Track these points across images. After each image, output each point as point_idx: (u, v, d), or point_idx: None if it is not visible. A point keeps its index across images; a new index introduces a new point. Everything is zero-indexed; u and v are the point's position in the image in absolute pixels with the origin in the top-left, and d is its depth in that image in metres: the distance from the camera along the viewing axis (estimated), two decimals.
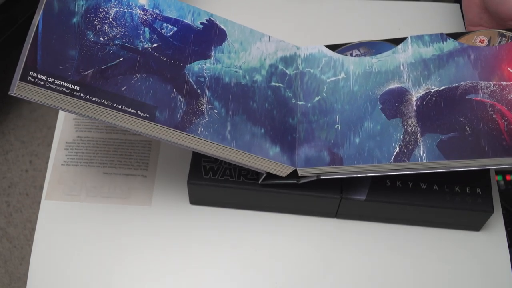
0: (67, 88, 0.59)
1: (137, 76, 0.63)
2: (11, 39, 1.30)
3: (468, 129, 0.65)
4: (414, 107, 0.67)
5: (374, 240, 0.73)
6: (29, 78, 0.58)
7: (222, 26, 0.72)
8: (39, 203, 0.75)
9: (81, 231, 0.73)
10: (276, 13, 0.89)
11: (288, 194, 0.70)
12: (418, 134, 0.66)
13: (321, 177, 0.67)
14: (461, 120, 0.66)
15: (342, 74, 0.72)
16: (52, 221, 0.73)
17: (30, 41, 0.60)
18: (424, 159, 0.64)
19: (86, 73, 0.61)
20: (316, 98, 0.71)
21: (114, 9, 0.66)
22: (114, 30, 0.65)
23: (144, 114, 0.62)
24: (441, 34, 0.72)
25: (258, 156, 0.65)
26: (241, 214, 0.74)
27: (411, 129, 0.66)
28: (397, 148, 0.65)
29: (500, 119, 0.65)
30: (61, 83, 0.59)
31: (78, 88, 0.60)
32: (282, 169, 0.67)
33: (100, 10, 0.65)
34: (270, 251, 0.72)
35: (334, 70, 0.72)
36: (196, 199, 0.74)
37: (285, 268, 0.71)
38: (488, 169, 0.72)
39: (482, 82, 0.68)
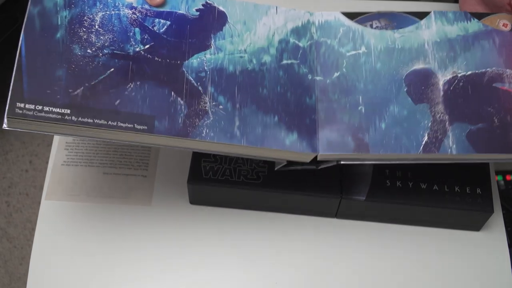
0: (57, 113, 0.56)
1: (130, 86, 0.60)
2: (11, 39, 1.30)
3: (496, 120, 0.63)
4: (442, 92, 0.65)
5: (374, 240, 0.73)
6: (17, 110, 0.55)
7: (221, 8, 0.67)
8: (39, 203, 0.75)
9: (81, 231, 0.73)
10: None
11: (288, 194, 0.70)
12: (447, 123, 0.63)
13: (341, 162, 0.63)
14: (489, 110, 0.64)
15: (363, 48, 0.67)
16: (52, 221, 0.73)
17: (15, 67, 0.57)
18: (454, 151, 0.62)
19: (75, 93, 0.58)
20: (336, 74, 0.66)
21: (100, 14, 0.62)
22: (101, 38, 0.61)
23: (141, 127, 0.58)
24: (465, 13, 0.69)
25: (273, 148, 0.61)
26: (241, 214, 0.74)
27: (439, 117, 0.63)
28: (426, 137, 0.63)
29: None
30: (51, 109, 0.56)
31: (68, 111, 0.57)
32: (303, 157, 0.63)
33: (85, 18, 0.61)
34: (270, 251, 0.72)
35: (354, 43, 0.68)
36: (196, 199, 0.74)
37: (285, 268, 0.71)
38: (488, 169, 0.72)
39: (508, 70, 0.66)
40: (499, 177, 1.17)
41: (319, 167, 0.64)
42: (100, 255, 0.72)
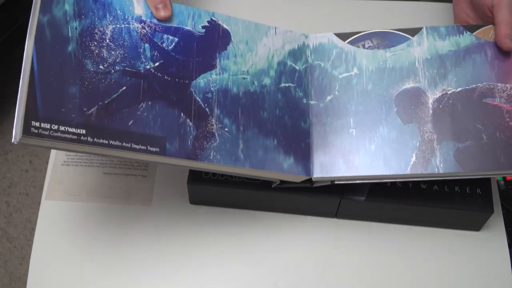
0: (73, 133, 0.55)
1: (142, 106, 0.59)
2: (11, 39, 1.30)
3: (484, 137, 0.64)
4: (431, 111, 0.66)
5: (374, 240, 0.73)
6: (32, 129, 0.53)
7: (225, 26, 0.67)
8: (39, 203, 0.75)
9: (81, 231, 0.73)
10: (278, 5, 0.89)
11: (288, 194, 0.70)
12: (435, 142, 0.64)
13: (335, 182, 0.66)
14: (478, 127, 0.64)
15: (355, 70, 0.69)
16: (52, 221, 0.73)
17: (27, 80, 0.54)
18: (441, 170, 0.63)
19: (90, 111, 0.56)
20: (329, 97, 0.68)
21: (111, 27, 0.61)
22: (113, 54, 0.60)
23: (154, 149, 0.58)
24: (458, 26, 0.69)
25: (273, 171, 0.63)
26: (241, 214, 0.74)
27: (428, 136, 0.64)
28: (414, 157, 0.64)
29: None
30: (66, 129, 0.55)
31: (84, 131, 0.55)
32: (297, 179, 0.65)
33: (96, 31, 0.60)
34: (270, 251, 0.72)
35: (346, 65, 0.69)
36: (196, 199, 0.74)
37: (285, 268, 0.71)
38: None
39: (499, 84, 0.66)
40: (499, 177, 1.17)
41: (314, 186, 0.67)
42: (100, 255, 0.72)
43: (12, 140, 0.54)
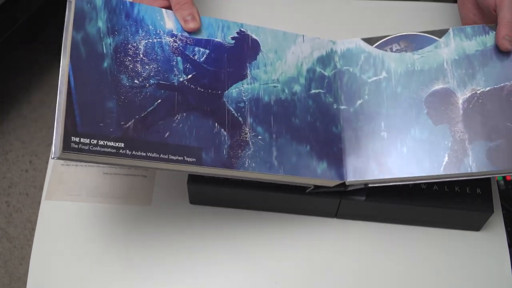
0: (112, 147, 0.56)
1: (178, 117, 0.60)
2: (11, 39, 1.31)
3: None
4: (461, 111, 0.66)
5: (374, 240, 0.73)
6: (72, 145, 0.55)
7: (254, 36, 0.68)
8: (39, 203, 0.75)
9: (81, 231, 0.73)
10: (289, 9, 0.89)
11: (288, 194, 0.70)
12: (466, 142, 0.64)
13: (369, 185, 0.66)
14: (508, 126, 0.65)
15: (384, 73, 0.69)
16: (52, 221, 0.73)
17: (64, 97, 0.56)
18: (474, 169, 0.63)
19: (127, 125, 0.58)
20: (359, 102, 0.68)
21: (143, 42, 0.62)
22: (147, 68, 0.61)
23: (191, 160, 0.59)
24: (483, 26, 0.70)
25: (307, 177, 0.64)
26: (241, 214, 0.74)
27: (459, 136, 0.65)
28: (446, 157, 0.64)
29: None
30: (105, 143, 0.56)
31: (122, 145, 0.57)
32: (331, 183, 0.66)
33: (129, 46, 0.61)
34: (270, 251, 0.72)
35: (375, 69, 0.70)
36: (196, 199, 0.74)
37: (285, 268, 0.71)
38: None
39: None
40: (499, 177, 1.17)
41: (347, 189, 0.67)
42: (100, 255, 0.72)
43: (52, 156, 0.55)
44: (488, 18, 0.73)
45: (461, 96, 0.67)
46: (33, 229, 1.27)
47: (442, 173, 0.64)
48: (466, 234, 0.73)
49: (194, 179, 0.70)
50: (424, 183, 0.70)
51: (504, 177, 1.17)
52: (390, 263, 0.72)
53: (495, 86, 0.67)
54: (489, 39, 0.69)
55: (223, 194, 0.72)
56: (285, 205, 0.73)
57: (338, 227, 0.73)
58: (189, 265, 0.71)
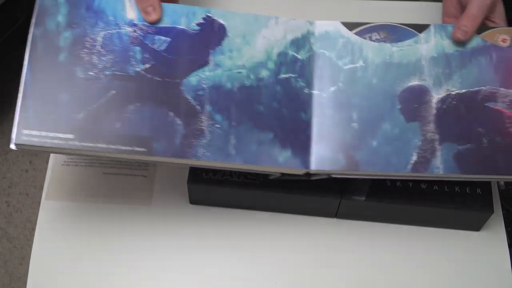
0: (61, 139, 0.59)
1: (131, 107, 0.61)
2: (11, 39, 1.30)
3: (485, 141, 0.64)
4: (434, 111, 0.65)
5: (374, 240, 0.73)
6: (23, 137, 0.58)
7: (221, 21, 0.66)
8: (39, 203, 0.75)
9: (81, 231, 0.73)
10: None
11: (288, 194, 0.70)
12: (436, 143, 0.64)
13: (332, 176, 0.64)
14: (479, 131, 0.64)
15: (361, 62, 0.67)
16: (52, 221, 0.73)
17: (21, 91, 0.59)
18: (441, 171, 0.63)
19: (78, 117, 0.59)
20: (332, 88, 0.66)
21: (102, 33, 0.62)
22: (103, 60, 0.62)
23: (141, 149, 0.60)
24: None
25: (267, 165, 0.62)
26: (241, 214, 0.74)
27: (430, 136, 0.64)
28: (415, 156, 0.63)
29: None
30: (55, 135, 0.59)
31: (71, 136, 0.59)
32: (296, 171, 0.64)
33: (87, 39, 0.62)
34: (270, 251, 0.72)
35: (352, 56, 0.67)
36: (196, 199, 0.74)
37: (285, 268, 0.71)
38: None
39: (501, 89, 0.66)
40: None
41: (312, 178, 0.65)
42: (100, 255, 0.72)
43: (11, 146, 0.59)
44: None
45: (436, 95, 0.66)
46: (33, 229, 1.27)
47: (409, 172, 0.63)
48: (466, 234, 0.73)
49: (194, 179, 0.70)
50: (424, 183, 0.70)
51: None
52: (390, 263, 0.71)
53: (471, 89, 0.66)
54: (470, 41, 0.68)
55: (223, 194, 0.72)
56: (285, 205, 0.73)
57: (338, 227, 0.73)
58: (189, 265, 0.71)
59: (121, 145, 0.59)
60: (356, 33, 0.68)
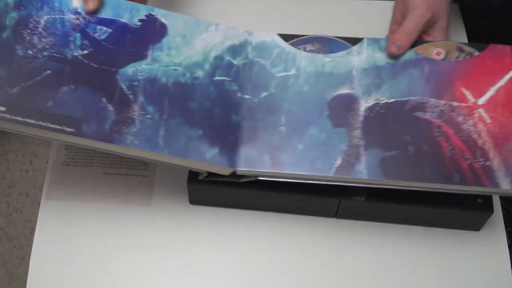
0: None
1: (64, 89, 0.63)
2: None
3: (411, 148, 0.65)
4: (361, 118, 0.67)
5: (374, 240, 0.73)
6: None
7: (163, 20, 0.69)
8: (39, 203, 0.75)
9: (81, 231, 0.73)
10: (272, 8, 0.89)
11: (288, 194, 0.70)
12: (362, 148, 0.65)
13: (259, 178, 0.66)
14: (406, 139, 0.66)
15: (293, 70, 0.70)
16: (52, 221, 0.73)
17: None
18: (365, 176, 0.64)
19: (12, 91, 0.61)
20: (264, 94, 0.68)
21: (46, 17, 0.65)
22: (43, 41, 0.64)
23: (70, 130, 0.61)
24: None
25: (194, 160, 0.64)
26: (241, 214, 0.74)
27: (355, 142, 0.66)
28: (339, 160, 0.65)
29: (444, 142, 0.65)
30: None
31: (4, 109, 0.60)
32: (222, 170, 0.66)
33: (31, 20, 0.64)
34: (270, 251, 0.72)
35: (285, 64, 0.70)
36: (196, 199, 0.74)
37: (285, 268, 0.71)
38: None
39: (432, 99, 0.67)
40: None
41: (240, 181, 0.67)
42: (100, 255, 0.72)
43: None
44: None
45: (364, 104, 0.68)
46: (33, 229, 1.27)
47: (333, 175, 0.64)
48: (466, 234, 0.73)
49: (194, 179, 0.70)
50: None
51: None
52: (390, 263, 0.72)
53: (400, 99, 0.68)
54: (402, 54, 0.70)
55: (223, 194, 0.72)
56: (285, 205, 0.73)
57: (338, 227, 0.74)
58: (188, 265, 0.71)
59: (50, 123, 0.61)
60: (291, 44, 0.71)
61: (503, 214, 0.74)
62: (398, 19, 0.76)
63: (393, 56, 0.70)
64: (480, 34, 0.88)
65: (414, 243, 0.73)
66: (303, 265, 0.71)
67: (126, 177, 0.76)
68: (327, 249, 0.72)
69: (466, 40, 0.87)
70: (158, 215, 0.74)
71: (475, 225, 0.72)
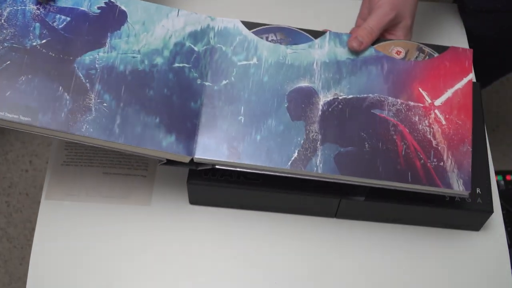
0: None
1: (22, 78, 0.63)
2: None
3: (367, 145, 0.66)
4: (320, 112, 0.67)
5: (374, 240, 0.73)
6: None
7: (123, 7, 0.69)
8: (39, 203, 0.75)
9: (81, 231, 0.73)
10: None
11: (288, 194, 0.70)
12: (318, 142, 0.66)
13: (216, 167, 0.66)
14: (362, 135, 0.66)
15: (254, 60, 0.70)
16: (52, 221, 0.73)
17: None
18: (320, 170, 0.65)
19: None
20: (224, 82, 0.69)
21: (8, 9, 0.66)
22: (4, 32, 0.65)
23: (25, 119, 0.62)
24: None
25: (149, 148, 0.64)
26: (241, 214, 0.74)
27: (313, 136, 0.66)
28: (296, 153, 0.65)
29: (399, 141, 0.66)
30: None
31: None
32: (180, 158, 0.66)
33: None
34: (270, 251, 0.72)
35: (247, 53, 0.70)
36: (196, 199, 0.74)
37: (285, 268, 0.71)
38: (488, 169, 0.72)
39: (390, 98, 0.68)
40: (499, 177, 1.17)
41: (199, 168, 0.67)
42: (100, 255, 0.72)
43: None
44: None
45: (323, 98, 0.68)
46: (33, 229, 1.27)
47: (289, 168, 0.65)
48: (466, 234, 0.73)
49: (194, 179, 0.70)
50: None
51: (504, 177, 1.17)
52: (390, 263, 0.71)
53: (358, 96, 0.68)
54: (362, 51, 0.70)
55: (223, 194, 0.72)
56: (285, 205, 0.73)
57: (338, 227, 0.73)
58: (188, 265, 0.71)
59: (8, 113, 0.62)
60: (254, 32, 0.71)
61: (503, 214, 0.74)
62: (364, 15, 0.76)
63: (354, 52, 0.70)
64: (479, 35, 0.88)
65: (414, 243, 0.73)
66: (303, 265, 0.71)
67: (126, 177, 0.76)
68: (327, 249, 0.72)
69: (466, 41, 0.87)
70: (158, 215, 0.74)
71: (475, 225, 0.72)
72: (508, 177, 1.17)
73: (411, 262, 0.72)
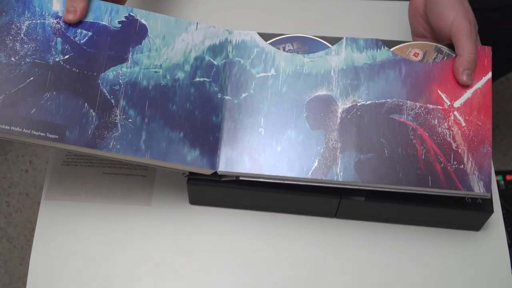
0: None
1: (47, 95, 0.63)
2: None
3: (386, 151, 0.66)
4: (338, 120, 0.67)
5: (374, 240, 0.73)
6: None
7: (143, 21, 0.69)
8: (39, 203, 0.75)
9: (81, 231, 0.73)
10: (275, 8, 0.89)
11: (288, 194, 0.70)
12: (338, 151, 0.66)
13: (240, 178, 0.67)
14: (381, 141, 0.66)
15: (272, 71, 0.70)
16: (52, 221, 0.73)
17: None
18: (340, 178, 0.65)
19: None
20: (244, 95, 0.69)
21: (27, 22, 0.65)
22: (25, 47, 0.64)
23: (53, 136, 0.62)
24: (376, 40, 0.71)
25: (175, 163, 0.65)
26: (241, 214, 0.74)
27: (332, 144, 0.66)
28: (316, 163, 0.66)
29: (419, 145, 0.66)
30: None
31: None
32: (204, 171, 0.67)
33: (13, 26, 0.65)
34: (270, 251, 0.72)
35: (265, 65, 0.70)
36: (196, 199, 0.74)
37: (285, 268, 0.71)
38: None
39: (408, 102, 0.68)
40: (499, 177, 1.17)
41: (222, 180, 0.68)
42: (100, 255, 0.72)
43: None
44: (439, 38, 0.71)
45: (341, 106, 0.68)
46: (33, 229, 1.27)
47: (310, 177, 0.65)
48: (466, 234, 0.73)
49: (194, 179, 0.70)
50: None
51: (504, 177, 1.17)
52: (390, 263, 0.72)
53: (376, 101, 0.68)
54: (379, 54, 0.70)
55: (223, 194, 0.72)
56: (285, 205, 0.73)
57: (338, 227, 0.73)
58: (188, 265, 0.71)
59: (35, 131, 0.62)
60: (271, 43, 0.71)
61: (503, 214, 0.74)
62: (419, 32, 0.73)
63: (370, 56, 0.69)
64: (483, 34, 0.88)
65: (414, 243, 0.73)
66: (303, 265, 0.71)
67: (126, 177, 0.76)
68: (327, 249, 0.72)
69: None
70: (158, 215, 0.74)
71: (475, 225, 0.72)
72: (508, 177, 1.17)
73: (411, 262, 0.72)
